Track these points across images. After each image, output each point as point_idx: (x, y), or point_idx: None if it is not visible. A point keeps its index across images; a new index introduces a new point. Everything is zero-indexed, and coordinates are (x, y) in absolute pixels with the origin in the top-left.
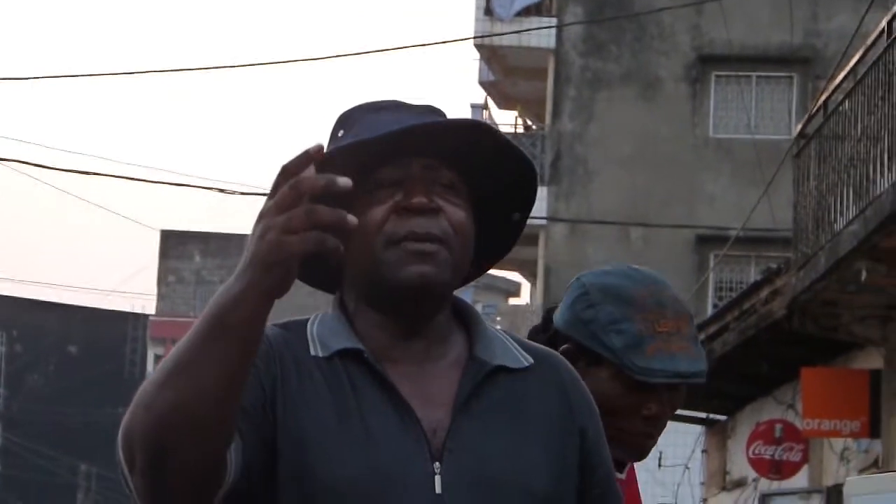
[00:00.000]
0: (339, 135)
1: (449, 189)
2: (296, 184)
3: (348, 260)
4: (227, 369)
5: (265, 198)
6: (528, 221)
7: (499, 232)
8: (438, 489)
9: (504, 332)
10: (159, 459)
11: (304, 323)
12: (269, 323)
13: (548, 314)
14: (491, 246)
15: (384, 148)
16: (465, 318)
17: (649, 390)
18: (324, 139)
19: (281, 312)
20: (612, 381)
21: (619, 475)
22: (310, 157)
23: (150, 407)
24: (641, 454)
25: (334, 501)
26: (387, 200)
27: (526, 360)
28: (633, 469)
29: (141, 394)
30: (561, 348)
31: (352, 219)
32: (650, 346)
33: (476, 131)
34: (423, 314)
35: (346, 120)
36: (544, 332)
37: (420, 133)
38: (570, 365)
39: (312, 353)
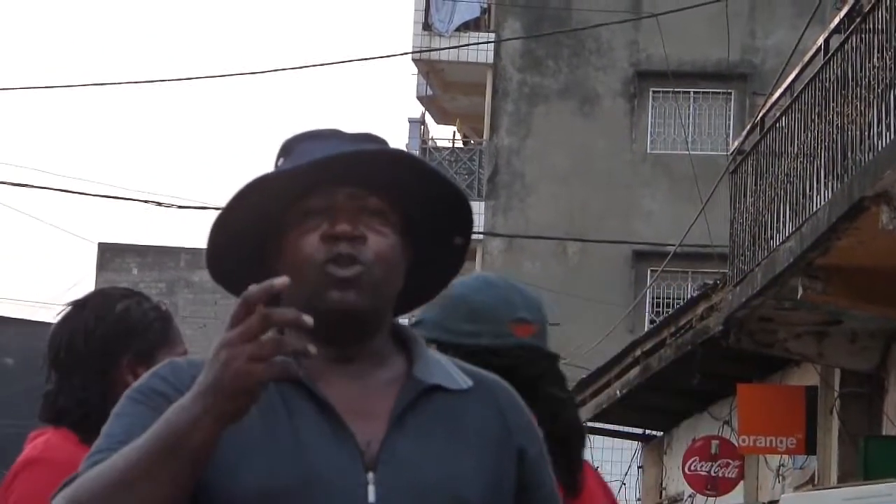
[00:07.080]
0: (280, 163)
1: (376, 216)
2: (266, 316)
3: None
4: (175, 490)
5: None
6: None
7: (443, 258)
8: (372, 498)
9: (447, 357)
10: None
11: None
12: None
13: None
14: (437, 273)
15: (309, 177)
16: (406, 343)
17: None
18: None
19: None
20: None
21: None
22: (274, 290)
23: None
24: None
25: None
26: (315, 230)
27: (465, 382)
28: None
29: (73, 500)
30: None
31: (307, 319)
32: None
33: (398, 161)
34: (352, 340)
35: (286, 149)
36: None
37: (340, 162)
38: (510, 388)
39: None
